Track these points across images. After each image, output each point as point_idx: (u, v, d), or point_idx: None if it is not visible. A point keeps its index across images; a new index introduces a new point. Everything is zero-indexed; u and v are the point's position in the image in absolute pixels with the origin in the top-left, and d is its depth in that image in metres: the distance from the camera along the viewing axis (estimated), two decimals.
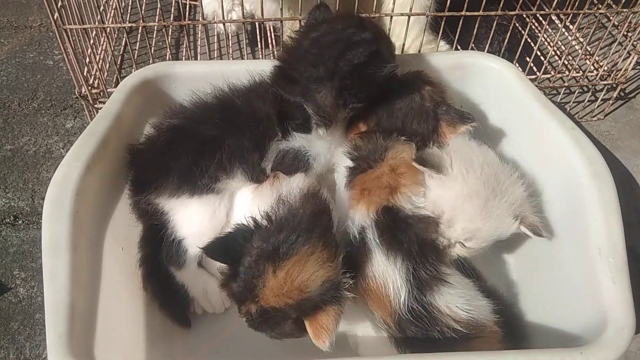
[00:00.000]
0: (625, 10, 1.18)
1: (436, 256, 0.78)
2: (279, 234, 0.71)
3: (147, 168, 0.85)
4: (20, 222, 1.06)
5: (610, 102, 1.30)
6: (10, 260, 1.00)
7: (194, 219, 0.84)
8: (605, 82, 1.27)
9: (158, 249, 0.87)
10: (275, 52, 1.25)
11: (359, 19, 0.87)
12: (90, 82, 1.11)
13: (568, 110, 1.29)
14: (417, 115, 0.87)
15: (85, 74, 1.09)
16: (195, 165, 0.82)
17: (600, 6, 1.22)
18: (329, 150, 0.88)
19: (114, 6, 1.27)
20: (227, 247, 0.74)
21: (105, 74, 1.19)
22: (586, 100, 1.30)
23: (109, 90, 1.10)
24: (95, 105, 1.12)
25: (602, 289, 0.72)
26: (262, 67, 0.89)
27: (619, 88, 1.28)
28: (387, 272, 0.75)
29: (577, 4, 1.18)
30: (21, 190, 1.10)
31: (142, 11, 1.06)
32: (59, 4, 0.98)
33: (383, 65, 0.83)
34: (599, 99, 1.29)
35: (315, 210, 0.75)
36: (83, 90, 1.09)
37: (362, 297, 0.77)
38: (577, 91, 1.28)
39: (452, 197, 0.81)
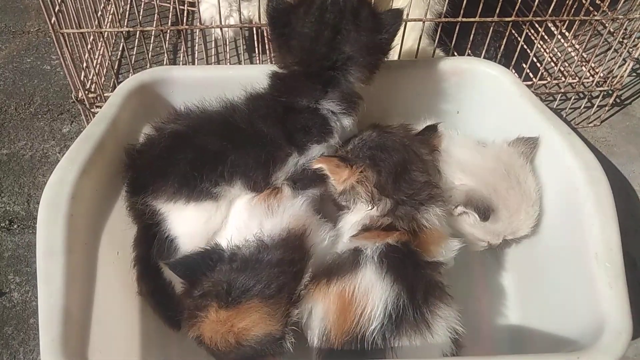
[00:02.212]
0: (620, 17, 1.19)
1: (438, 301, 0.74)
2: (238, 275, 0.71)
3: (146, 170, 0.84)
4: (15, 226, 1.05)
5: (607, 108, 1.30)
6: (5, 264, 1.00)
7: (189, 222, 0.83)
8: (601, 89, 1.27)
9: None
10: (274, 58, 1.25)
11: None
12: (87, 86, 1.11)
13: (564, 116, 1.29)
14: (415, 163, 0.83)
15: (82, 78, 1.09)
16: (195, 173, 0.81)
17: (595, 13, 1.22)
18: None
19: (111, 11, 1.27)
20: (190, 267, 0.75)
21: (103, 78, 1.19)
22: (582, 107, 1.30)
23: (106, 94, 1.10)
24: (92, 110, 1.11)
25: (599, 294, 0.72)
26: (260, 72, 0.88)
27: (615, 94, 1.29)
28: (372, 291, 0.71)
29: (572, 10, 1.19)
30: (17, 195, 1.10)
31: (140, 17, 1.06)
32: (57, 8, 0.98)
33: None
34: (595, 105, 1.30)
35: (286, 258, 0.73)
36: (80, 95, 1.09)
37: (320, 298, 0.74)
38: (573, 97, 1.29)
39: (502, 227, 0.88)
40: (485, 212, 0.85)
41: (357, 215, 0.81)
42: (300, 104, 0.82)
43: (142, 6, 1.41)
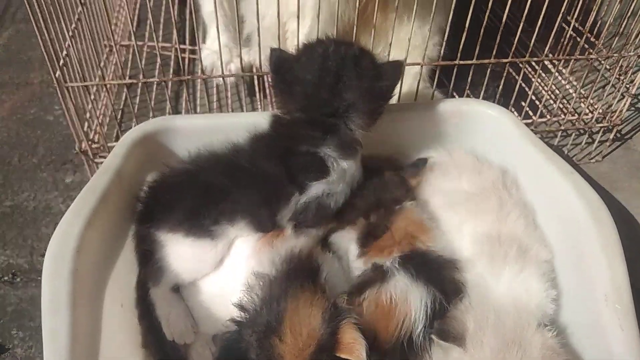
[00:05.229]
0: (615, 55, 1.21)
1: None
2: (261, 312, 0.72)
3: (154, 202, 0.87)
4: (18, 279, 1.04)
5: (608, 143, 1.31)
6: (8, 319, 0.98)
7: (182, 257, 0.85)
8: (601, 125, 1.28)
9: None
10: (275, 102, 1.27)
11: (332, 39, 0.89)
12: (91, 137, 1.12)
13: (566, 153, 1.30)
14: (390, 184, 0.92)
15: (85, 129, 1.10)
16: (198, 209, 0.83)
17: (591, 50, 1.24)
18: (353, 178, 0.88)
19: (114, 61, 1.30)
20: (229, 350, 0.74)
21: (105, 128, 1.20)
22: (583, 143, 1.31)
23: (109, 144, 1.11)
24: (96, 160, 1.12)
25: (611, 336, 0.72)
26: (262, 119, 0.90)
27: (615, 130, 1.30)
28: (410, 294, 0.75)
29: (568, 49, 1.21)
30: (20, 247, 1.10)
31: (142, 64, 1.08)
32: (61, 62, 1.00)
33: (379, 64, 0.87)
34: (596, 141, 1.30)
35: (294, 268, 0.76)
36: (83, 146, 1.10)
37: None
38: (573, 134, 1.30)
39: None
40: (441, 332, 0.74)
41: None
42: (300, 149, 0.84)
43: (143, 54, 1.44)
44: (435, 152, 1.01)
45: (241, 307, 0.74)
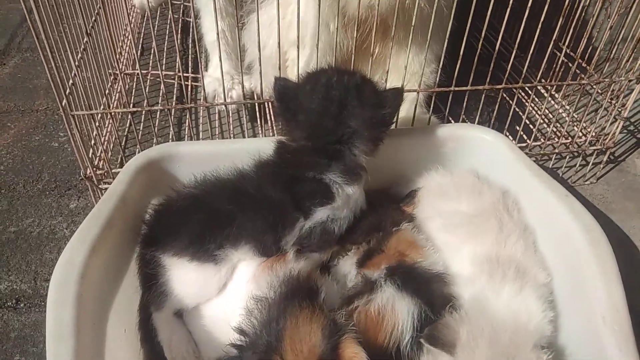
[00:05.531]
0: (606, 80, 1.24)
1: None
2: (261, 334, 0.73)
3: (160, 226, 0.88)
4: (22, 305, 1.05)
5: (601, 166, 1.33)
6: (12, 345, 0.99)
7: (185, 281, 0.85)
8: (594, 147, 1.31)
9: None
10: (275, 128, 1.29)
11: (334, 68, 0.94)
12: (95, 163, 1.14)
13: (561, 175, 1.32)
14: (389, 210, 0.96)
15: (90, 155, 1.12)
16: (205, 234, 0.84)
17: (583, 76, 1.27)
18: (356, 204, 0.90)
19: (118, 89, 1.32)
20: None
21: (110, 154, 1.22)
22: (577, 165, 1.33)
23: (113, 170, 1.13)
24: (100, 186, 1.14)
25: (609, 357, 0.72)
26: (263, 145, 0.93)
27: (608, 152, 1.32)
28: (396, 304, 0.78)
29: (560, 74, 1.24)
30: (24, 273, 1.11)
31: (146, 92, 1.10)
32: (67, 91, 1.02)
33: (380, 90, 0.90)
34: (590, 163, 1.33)
35: (292, 289, 0.77)
36: (88, 172, 1.12)
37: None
38: (567, 157, 1.32)
39: None
40: (431, 337, 0.75)
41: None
42: (306, 175, 0.86)
43: (147, 82, 1.47)
44: (435, 171, 1.02)
45: (241, 331, 0.75)
